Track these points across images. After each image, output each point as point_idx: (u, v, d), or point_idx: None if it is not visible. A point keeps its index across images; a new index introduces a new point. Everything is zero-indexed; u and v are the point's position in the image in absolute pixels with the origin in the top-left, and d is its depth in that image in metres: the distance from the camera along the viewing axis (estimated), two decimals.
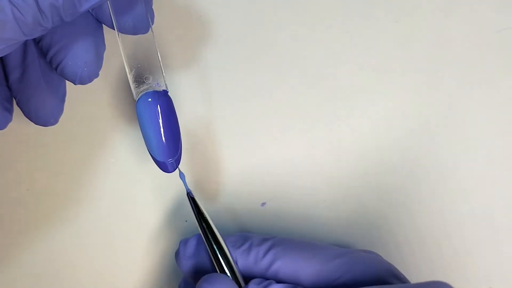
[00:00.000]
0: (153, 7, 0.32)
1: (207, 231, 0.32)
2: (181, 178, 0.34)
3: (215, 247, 0.31)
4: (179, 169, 0.33)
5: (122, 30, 0.31)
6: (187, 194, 0.33)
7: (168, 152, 0.33)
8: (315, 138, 0.37)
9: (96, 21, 0.32)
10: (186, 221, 0.37)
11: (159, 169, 0.33)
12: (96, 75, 0.32)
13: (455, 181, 0.37)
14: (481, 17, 0.37)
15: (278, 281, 0.31)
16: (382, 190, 0.37)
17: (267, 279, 0.31)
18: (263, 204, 0.37)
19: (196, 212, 0.32)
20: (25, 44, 0.32)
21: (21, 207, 0.37)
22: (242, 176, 0.37)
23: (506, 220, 0.37)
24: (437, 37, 0.37)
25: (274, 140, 0.37)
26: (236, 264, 0.31)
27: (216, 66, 0.36)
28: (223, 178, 0.37)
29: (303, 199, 0.37)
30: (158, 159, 0.33)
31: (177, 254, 0.33)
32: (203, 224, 0.32)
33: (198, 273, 0.32)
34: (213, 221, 0.32)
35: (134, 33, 0.32)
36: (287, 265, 0.31)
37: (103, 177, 0.37)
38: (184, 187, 0.33)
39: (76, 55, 0.30)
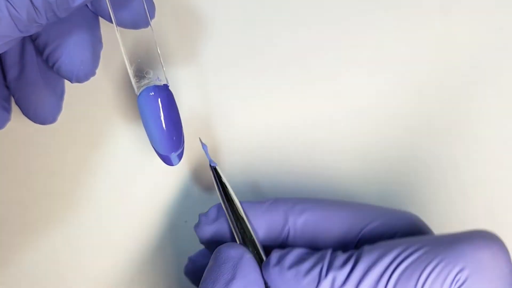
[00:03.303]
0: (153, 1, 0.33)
1: (228, 203, 0.31)
2: (204, 149, 0.33)
3: (234, 218, 0.31)
4: (200, 141, 0.33)
5: (121, 24, 0.32)
6: (210, 166, 0.32)
7: (171, 145, 0.33)
8: (315, 138, 0.37)
9: (93, 16, 0.32)
10: (186, 221, 0.37)
11: (163, 163, 0.34)
12: (93, 74, 0.32)
13: (457, 180, 0.37)
14: (481, 17, 0.37)
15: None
16: (382, 190, 0.37)
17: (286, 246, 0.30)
18: None
19: (218, 184, 0.32)
20: (23, 42, 0.32)
21: (21, 207, 0.37)
22: (242, 175, 0.37)
23: (506, 220, 0.37)
24: (437, 37, 0.37)
25: (273, 140, 0.37)
26: (257, 235, 0.30)
27: (216, 61, 0.37)
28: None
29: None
30: (162, 153, 0.33)
31: (197, 224, 0.32)
32: (225, 196, 0.31)
33: (217, 243, 0.31)
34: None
35: (134, 27, 0.32)
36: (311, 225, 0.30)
37: (103, 177, 0.37)
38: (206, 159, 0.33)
39: (72, 53, 0.31)
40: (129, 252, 0.37)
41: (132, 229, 0.37)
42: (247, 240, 0.30)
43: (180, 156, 0.34)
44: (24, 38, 0.32)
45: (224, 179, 0.32)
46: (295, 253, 0.28)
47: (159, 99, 0.32)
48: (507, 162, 0.37)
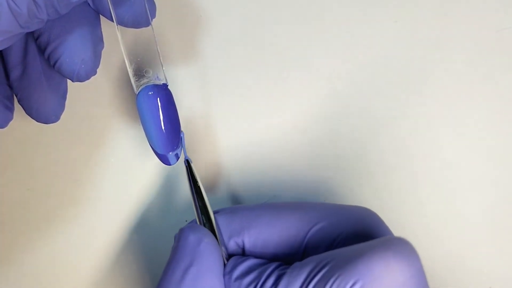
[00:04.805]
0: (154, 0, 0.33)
1: (197, 198, 0.32)
2: (181, 140, 0.34)
3: (203, 219, 0.32)
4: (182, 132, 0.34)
5: (122, 23, 0.32)
6: (185, 161, 0.33)
7: (169, 145, 0.33)
8: (315, 138, 0.37)
9: (95, 15, 0.32)
10: (186, 220, 0.37)
11: (160, 161, 0.34)
12: (94, 72, 0.32)
13: (455, 180, 0.37)
14: (481, 17, 0.37)
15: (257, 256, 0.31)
16: (382, 190, 0.37)
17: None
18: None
19: (190, 178, 0.33)
20: (26, 41, 0.32)
21: (21, 207, 0.37)
22: (241, 175, 0.37)
23: (506, 219, 0.37)
24: (437, 37, 0.37)
25: (273, 139, 0.37)
26: (220, 231, 0.32)
27: (216, 61, 0.37)
28: (222, 177, 0.37)
29: (304, 198, 0.37)
30: (159, 152, 0.33)
31: None
32: (195, 191, 0.32)
33: None
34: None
35: (134, 26, 0.32)
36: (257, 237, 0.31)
37: (103, 177, 0.37)
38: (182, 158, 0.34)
39: (73, 52, 0.31)
40: (130, 252, 0.37)
41: (133, 229, 0.37)
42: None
43: (177, 156, 0.34)
44: (26, 38, 0.32)
45: (196, 174, 0.33)
46: (246, 264, 0.30)
47: (158, 98, 0.32)
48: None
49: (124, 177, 0.37)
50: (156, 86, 0.32)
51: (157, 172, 0.37)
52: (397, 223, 0.37)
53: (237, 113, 0.37)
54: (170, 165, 0.34)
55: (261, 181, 0.37)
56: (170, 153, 0.33)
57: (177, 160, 0.34)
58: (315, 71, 0.37)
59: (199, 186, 0.32)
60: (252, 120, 0.37)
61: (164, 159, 0.33)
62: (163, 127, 0.32)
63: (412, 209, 0.37)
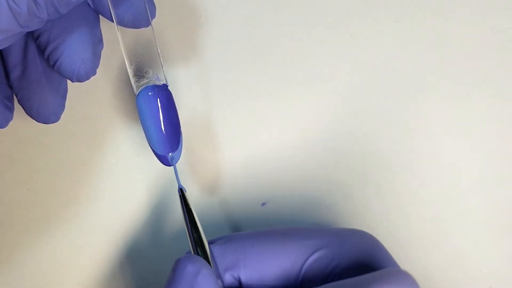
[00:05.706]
0: (154, 0, 0.33)
1: (191, 227, 0.31)
2: (175, 172, 0.34)
3: (199, 250, 0.31)
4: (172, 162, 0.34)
5: (122, 23, 0.32)
6: (178, 190, 0.32)
7: (168, 145, 0.33)
8: (315, 138, 0.37)
9: (94, 15, 0.32)
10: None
11: (160, 162, 0.34)
12: (94, 73, 0.32)
13: (455, 180, 0.37)
14: (480, 17, 0.37)
15: None
16: (382, 190, 0.37)
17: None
18: (263, 204, 0.37)
19: (184, 207, 0.32)
20: (26, 41, 0.32)
21: (21, 207, 0.37)
22: (241, 176, 0.37)
23: (506, 220, 0.37)
24: (437, 37, 0.37)
25: (274, 140, 0.37)
26: (214, 261, 0.31)
27: (216, 61, 0.37)
28: (222, 177, 0.37)
29: (304, 199, 0.37)
30: (159, 152, 0.33)
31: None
32: (189, 219, 0.32)
33: None
34: (202, 222, 0.32)
35: (134, 26, 0.32)
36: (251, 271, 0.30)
37: (103, 177, 0.37)
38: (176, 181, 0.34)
39: (73, 52, 0.31)
40: (130, 251, 0.37)
41: (133, 229, 0.37)
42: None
43: (177, 156, 0.34)
44: (26, 38, 0.32)
45: (191, 204, 0.32)
46: None
47: (157, 99, 0.32)
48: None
49: (124, 177, 0.37)
50: (156, 86, 0.32)
51: (158, 172, 0.37)
52: (397, 223, 0.37)
53: (237, 113, 0.37)
54: (170, 166, 0.34)
55: (261, 181, 0.37)
56: (170, 154, 0.33)
57: (177, 161, 0.34)
58: (315, 71, 0.37)
59: (193, 216, 0.31)
60: (252, 120, 0.37)
61: (164, 160, 0.33)
62: (163, 128, 0.32)
63: (413, 209, 0.37)
